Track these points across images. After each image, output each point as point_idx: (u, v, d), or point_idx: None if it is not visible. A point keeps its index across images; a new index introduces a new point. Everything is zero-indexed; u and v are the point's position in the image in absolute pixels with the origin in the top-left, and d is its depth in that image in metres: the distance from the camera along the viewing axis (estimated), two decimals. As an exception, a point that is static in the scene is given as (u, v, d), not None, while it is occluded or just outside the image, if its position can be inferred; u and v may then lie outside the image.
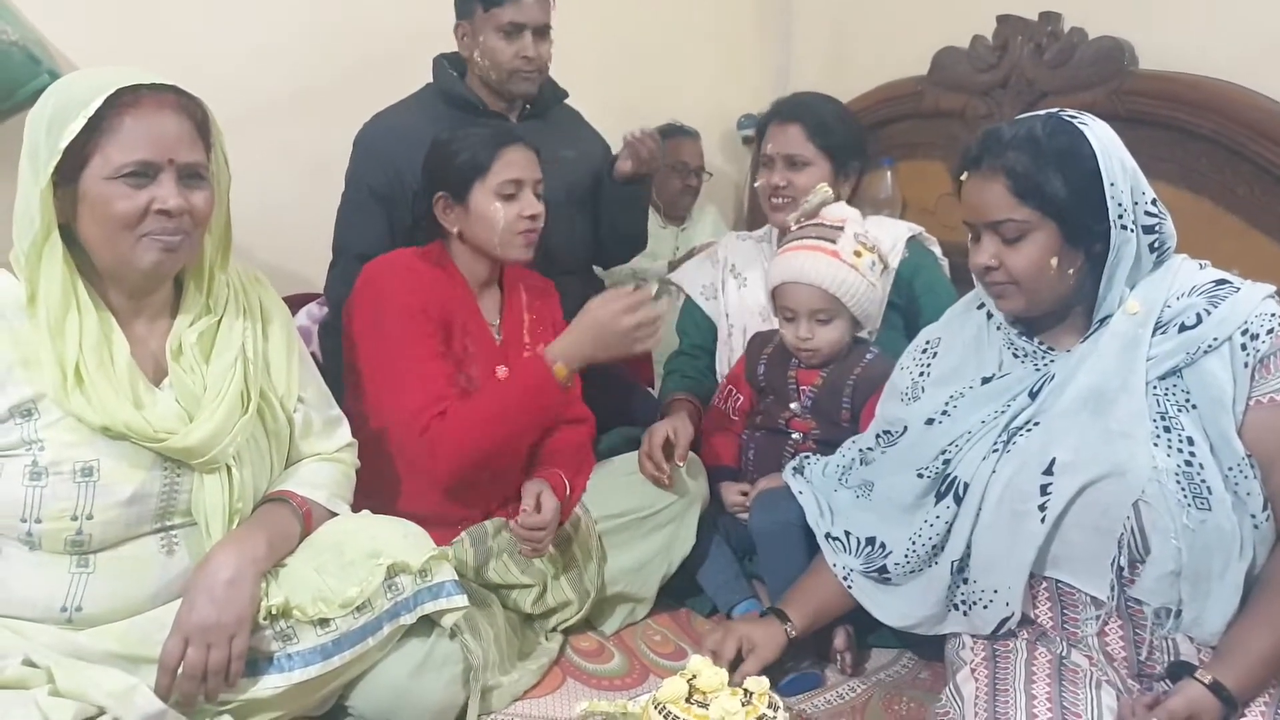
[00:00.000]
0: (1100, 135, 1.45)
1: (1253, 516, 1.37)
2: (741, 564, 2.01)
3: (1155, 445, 1.39)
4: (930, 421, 1.60)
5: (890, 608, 1.65)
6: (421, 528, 1.59)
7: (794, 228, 2.04)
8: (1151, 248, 1.47)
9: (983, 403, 1.54)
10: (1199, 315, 1.42)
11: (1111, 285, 1.46)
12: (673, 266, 2.92)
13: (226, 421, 1.43)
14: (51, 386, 1.31)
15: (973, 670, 1.52)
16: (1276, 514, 1.39)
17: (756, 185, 2.25)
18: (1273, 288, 1.44)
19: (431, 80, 2.31)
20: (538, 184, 1.91)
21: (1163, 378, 1.43)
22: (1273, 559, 1.39)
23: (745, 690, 1.47)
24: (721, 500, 2.04)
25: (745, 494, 2.00)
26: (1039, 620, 1.52)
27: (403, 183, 2.13)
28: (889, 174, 3.05)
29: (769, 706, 1.46)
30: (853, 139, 2.20)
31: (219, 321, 1.49)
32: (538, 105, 2.34)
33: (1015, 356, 1.56)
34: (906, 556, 1.60)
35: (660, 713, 1.44)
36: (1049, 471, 1.44)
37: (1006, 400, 1.52)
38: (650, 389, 2.60)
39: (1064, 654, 1.49)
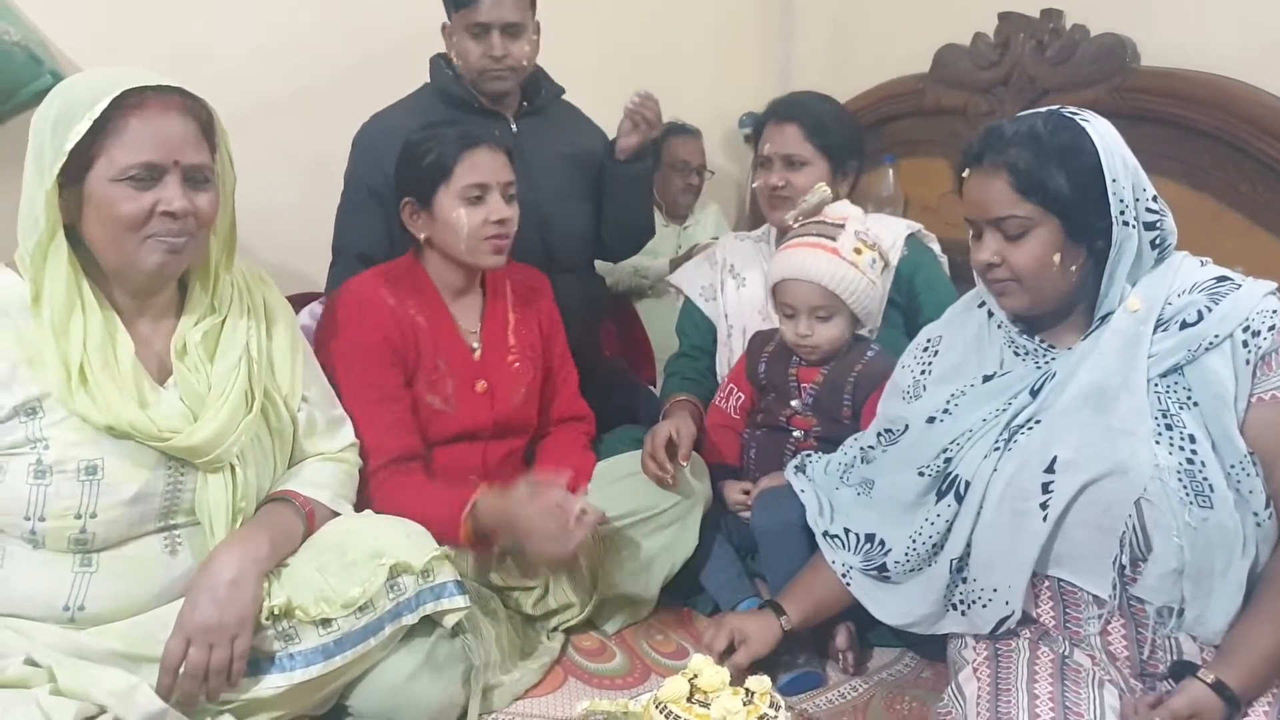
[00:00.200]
0: (1101, 132, 1.45)
1: (1255, 514, 1.36)
2: (744, 563, 2.01)
3: (1157, 443, 1.38)
4: (931, 420, 1.60)
5: (889, 606, 1.65)
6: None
7: (795, 226, 2.03)
8: (1153, 244, 1.47)
9: (984, 401, 1.54)
10: (1200, 312, 1.41)
11: (1113, 282, 1.46)
12: (674, 265, 2.92)
13: (231, 421, 1.43)
14: (56, 386, 1.32)
15: (975, 670, 1.52)
16: (1278, 511, 1.38)
17: (754, 185, 2.24)
18: (1274, 284, 1.44)
19: (429, 80, 2.30)
20: (507, 187, 1.86)
21: (1164, 375, 1.42)
22: (1275, 557, 1.38)
23: (747, 690, 1.47)
24: (724, 499, 2.03)
25: (747, 492, 1.99)
26: (1041, 619, 1.52)
27: None
28: (891, 172, 3.05)
29: (770, 706, 1.46)
30: (850, 138, 2.19)
31: (223, 321, 1.50)
32: (535, 102, 2.32)
33: (1016, 354, 1.55)
34: (906, 555, 1.59)
35: (661, 712, 1.44)
36: (1050, 470, 1.43)
37: (1008, 398, 1.52)
38: (653, 388, 2.59)
39: (1066, 653, 1.48)
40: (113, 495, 1.35)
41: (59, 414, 1.33)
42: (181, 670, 1.32)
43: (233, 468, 1.45)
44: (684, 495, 1.93)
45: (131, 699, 1.27)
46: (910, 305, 2.14)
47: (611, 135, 2.33)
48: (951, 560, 1.54)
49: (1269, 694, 1.34)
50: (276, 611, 1.40)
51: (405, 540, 1.53)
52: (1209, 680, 1.32)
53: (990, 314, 1.61)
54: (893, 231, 2.17)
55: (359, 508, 1.65)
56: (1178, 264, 1.48)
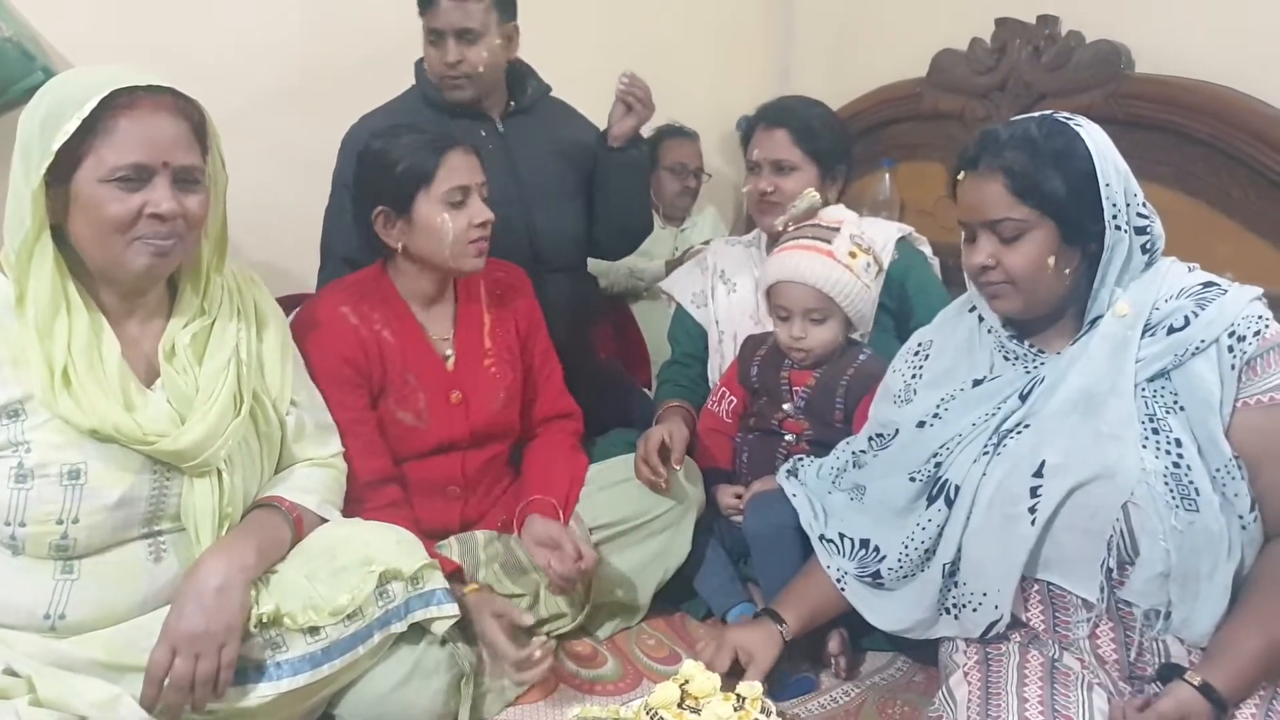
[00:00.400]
0: (1094, 137, 1.45)
1: (1240, 517, 1.37)
2: (736, 567, 2.01)
3: (1144, 447, 1.39)
4: (922, 424, 1.60)
5: (883, 611, 1.65)
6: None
7: (784, 231, 2.03)
8: (1143, 249, 1.47)
9: (974, 405, 1.54)
10: (1187, 318, 1.42)
11: (1105, 285, 1.46)
12: (670, 267, 2.92)
13: (219, 424, 1.42)
14: (39, 388, 1.31)
15: (965, 673, 1.52)
16: (1264, 515, 1.39)
17: (744, 190, 2.24)
18: (1260, 290, 1.44)
19: (415, 83, 2.30)
20: (482, 188, 1.82)
21: (1151, 380, 1.43)
22: (1260, 559, 1.39)
23: (738, 695, 1.47)
24: (716, 503, 2.03)
25: (739, 496, 1.99)
26: (1031, 623, 1.52)
27: None
28: (887, 175, 3.05)
29: (762, 712, 1.46)
30: (839, 142, 2.18)
31: (213, 323, 1.48)
32: (521, 101, 2.31)
33: (1006, 359, 1.56)
34: (900, 561, 1.59)
35: (652, 718, 1.43)
36: (1039, 474, 1.44)
37: (997, 403, 1.52)
38: (647, 391, 2.59)
39: (1056, 657, 1.48)
40: (96, 500, 1.33)
41: (42, 416, 1.32)
42: (167, 681, 1.30)
43: (220, 472, 1.43)
44: (677, 500, 1.93)
45: (113, 709, 1.26)
46: (901, 309, 2.14)
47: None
48: (943, 565, 1.54)
49: (1255, 696, 1.34)
50: (264, 619, 1.39)
51: (395, 547, 1.53)
52: (1196, 682, 1.32)
53: (981, 319, 1.61)
54: (883, 235, 2.17)
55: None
56: (1165, 269, 1.48)
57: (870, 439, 1.72)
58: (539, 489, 1.89)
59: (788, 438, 2.01)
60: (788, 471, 1.88)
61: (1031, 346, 1.53)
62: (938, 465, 1.55)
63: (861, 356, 1.99)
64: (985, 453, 1.50)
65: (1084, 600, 1.44)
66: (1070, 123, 1.47)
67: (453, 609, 1.55)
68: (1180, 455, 1.37)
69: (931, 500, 1.55)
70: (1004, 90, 2.71)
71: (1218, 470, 1.37)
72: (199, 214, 1.39)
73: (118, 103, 1.30)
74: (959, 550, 1.53)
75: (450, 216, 1.76)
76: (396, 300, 1.86)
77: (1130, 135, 2.21)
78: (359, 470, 1.73)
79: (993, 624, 1.51)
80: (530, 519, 1.83)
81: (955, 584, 1.56)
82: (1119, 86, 2.40)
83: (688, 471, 1.96)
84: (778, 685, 1.70)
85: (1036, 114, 1.52)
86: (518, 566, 1.85)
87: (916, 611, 1.61)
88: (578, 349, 2.26)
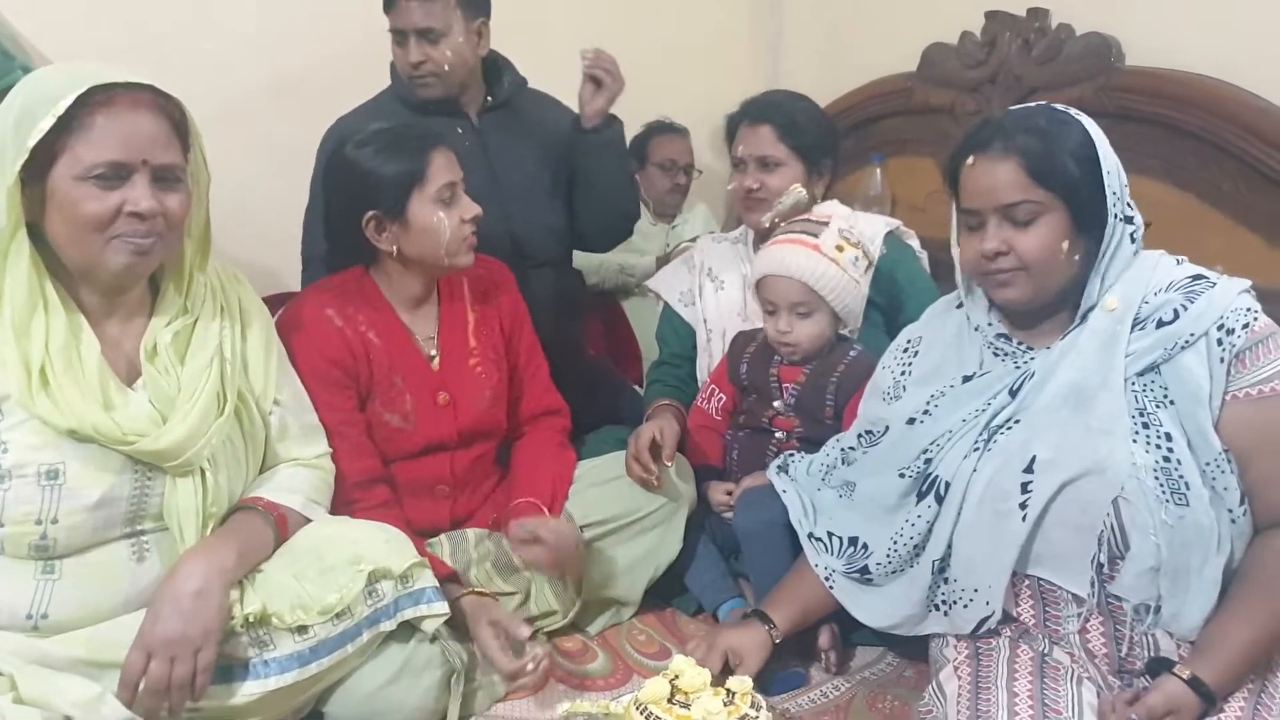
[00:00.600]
0: (1093, 125, 1.45)
1: (1230, 511, 1.36)
2: (727, 563, 2.01)
3: (1134, 442, 1.38)
4: (912, 421, 1.59)
5: (872, 608, 1.65)
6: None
7: (771, 228, 2.02)
8: (1131, 238, 1.47)
9: (964, 401, 1.53)
10: (1176, 311, 1.41)
11: (1104, 275, 1.45)
12: (661, 263, 2.92)
13: (201, 423, 1.40)
14: (16, 388, 1.29)
15: (955, 668, 1.52)
16: (1253, 508, 1.38)
17: (729, 188, 2.23)
18: (1248, 282, 1.43)
19: (390, 83, 2.29)
20: (463, 183, 1.80)
21: (1141, 374, 1.42)
22: (1250, 553, 1.39)
23: (728, 690, 1.47)
24: (707, 500, 2.03)
25: (730, 493, 1.99)
26: (1021, 618, 1.51)
27: None
28: (878, 171, 3.05)
29: (751, 706, 1.46)
30: (824, 137, 2.17)
31: (195, 321, 1.47)
32: (498, 96, 2.29)
33: (995, 355, 1.55)
34: (888, 556, 1.59)
35: (642, 713, 1.43)
36: (1029, 469, 1.43)
37: (987, 399, 1.51)
38: (638, 388, 2.59)
39: (1046, 651, 1.48)
40: (75, 500, 1.31)
41: (19, 416, 1.30)
42: (142, 685, 1.29)
43: (203, 472, 1.41)
44: (669, 497, 1.92)
45: (96, 709, 1.25)
46: (891, 304, 2.12)
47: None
48: (933, 561, 1.54)
49: (1244, 689, 1.34)
50: (251, 618, 1.38)
51: (384, 546, 1.52)
52: (1185, 676, 1.32)
53: (969, 318, 1.60)
54: (871, 229, 2.16)
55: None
56: (1154, 262, 1.48)
57: (860, 436, 1.71)
58: (524, 491, 1.88)
59: (778, 435, 2.01)
60: (778, 467, 1.88)
61: (1020, 344, 1.53)
62: (928, 462, 1.54)
63: (852, 353, 1.98)
64: (975, 449, 1.49)
65: (1074, 595, 1.43)
66: (1070, 111, 1.47)
67: (442, 607, 1.54)
68: (1170, 449, 1.37)
69: (921, 496, 1.54)
70: (994, 84, 2.71)
71: (1207, 464, 1.36)
72: (179, 213, 1.37)
73: (95, 99, 1.28)
74: (949, 547, 1.52)
75: (445, 214, 1.75)
76: (380, 302, 1.84)
77: (1121, 128, 2.20)
78: (348, 471, 1.72)
79: (984, 620, 1.50)
80: (511, 524, 1.81)
81: (945, 581, 1.55)
82: (1109, 79, 2.40)
83: (679, 468, 1.96)
84: (767, 680, 1.69)
85: (1034, 104, 1.51)
86: (509, 565, 1.85)
87: (905, 608, 1.61)
88: (564, 344, 2.24)
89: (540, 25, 2.26)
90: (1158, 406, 1.40)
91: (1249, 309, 1.40)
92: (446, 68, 2.15)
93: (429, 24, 2.12)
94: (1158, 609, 1.37)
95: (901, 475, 1.57)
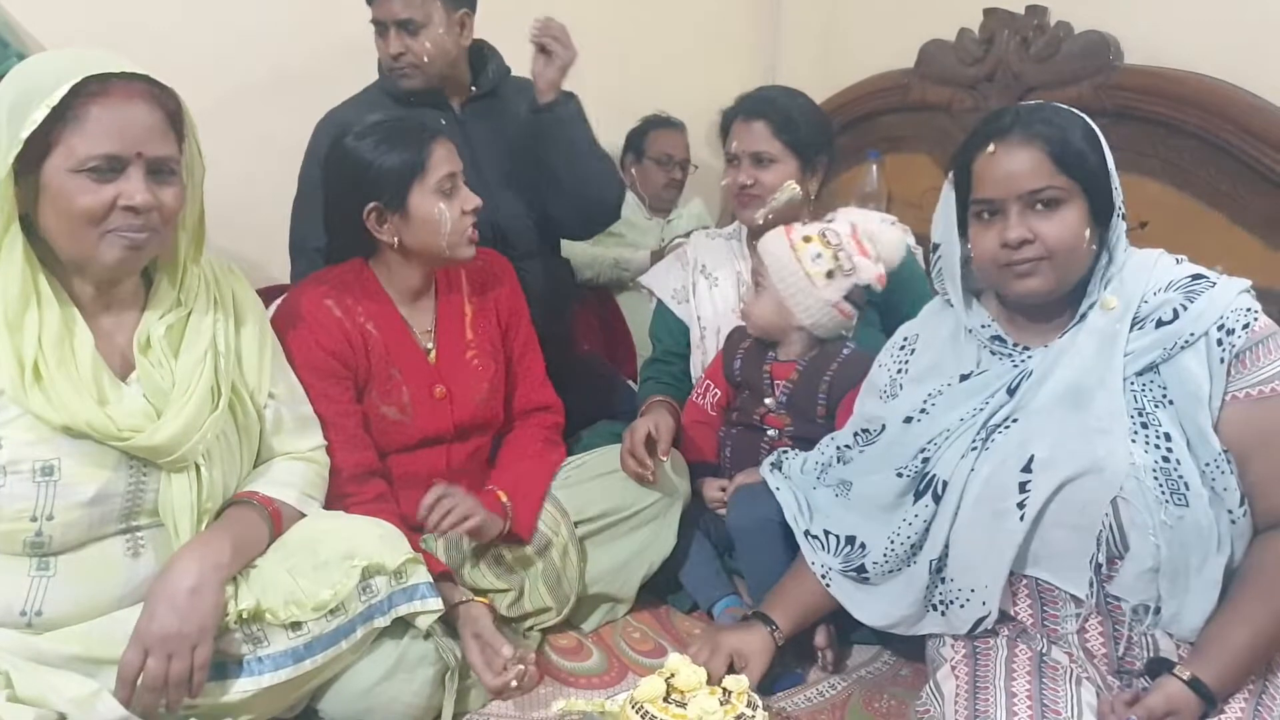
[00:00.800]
0: (1092, 123, 1.45)
1: (1229, 512, 1.36)
2: (722, 560, 2.00)
3: (1133, 442, 1.37)
4: (909, 420, 1.58)
5: (869, 607, 1.64)
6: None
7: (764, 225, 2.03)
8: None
9: (961, 400, 1.53)
10: (1176, 310, 1.40)
11: (1109, 270, 1.45)
12: (656, 257, 2.91)
13: (196, 418, 1.39)
14: (9, 383, 1.27)
15: (953, 668, 1.51)
16: (1253, 509, 1.38)
17: (723, 183, 2.22)
18: (1248, 282, 1.43)
19: (378, 76, 2.28)
20: (463, 174, 1.81)
21: (1140, 373, 1.41)
22: (1249, 553, 1.38)
23: (724, 689, 1.47)
24: (702, 496, 2.02)
25: (724, 489, 1.98)
26: (1019, 618, 1.51)
27: None
28: (875, 167, 3.05)
29: (748, 705, 1.46)
30: (819, 133, 2.16)
31: (189, 314, 1.45)
32: (481, 85, 2.28)
33: (993, 353, 1.54)
34: (885, 555, 1.58)
35: (638, 712, 1.43)
36: (1027, 469, 1.42)
37: (985, 397, 1.50)
38: (632, 383, 2.58)
39: (1044, 651, 1.48)
40: (70, 496, 1.30)
41: (12, 412, 1.28)
42: (139, 682, 1.28)
43: (198, 467, 1.40)
44: (664, 493, 1.92)
45: (91, 706, 1.24)
46: (887, 301, 2.11)
47: (596, 130, 2.28)
48: (930, 561, 1.53)
49: (1244, 690, 1.34)
50: (245, 614, 1.37)
51: (378, 541, 1.51)
52: (1185, 677, 1.31)
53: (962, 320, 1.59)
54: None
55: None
56: (1153, 261, 1.47)
57: (856, 434, 1.71)
58: (495, 481, 1.87)
59: (770, 433, 2.00)
60: (771, 464, 1.87)
61: (1016, 345, 1.52)
62: (925, 461, 1.54)
63: (845, 350, 1.97)
64: (973, 448, 1.48)
65: (1073, 596, 1.43)
66: (1070, 109, 1.47)
67: (436, 603, 1.53)
68: (1170, 449, 1.36)
69: (918, 496, 1.54)
70: (992, 81, 2.71)
71: (1207, 465, 1.36)
72: (174, 206, 1.35)
73: (89, 90, 1.26)
74: (946, 547, 1.52)
75: (446, 205, 1.75)
76: (380, 294, 1.83)
77: (1119, 127, 2.21)
78: (343, 465, 1.71)
79: (980, 620, 1.50)
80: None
81: (942, 580, 1.55)
82: (1108, 78, 2.40)
83: (674, 464, 1.95)
84: (764, 679, 1.68)
85: (1033, 103, 1.50)
86: (501, 561, 1.84)
87: (902, 607, 1.60)
88: (554, 337, 2.21)
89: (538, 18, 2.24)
90: (1156, 406, 1.39)
91: (1249, 309, 1.39)
92: (426, 59, 2.15)
93: (408, 15, 2.13)
94: (1157, 610, 1.37)
95: (899, 474, 1.57)
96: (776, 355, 2.01)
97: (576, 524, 1.87)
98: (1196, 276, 1.44)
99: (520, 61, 2.31)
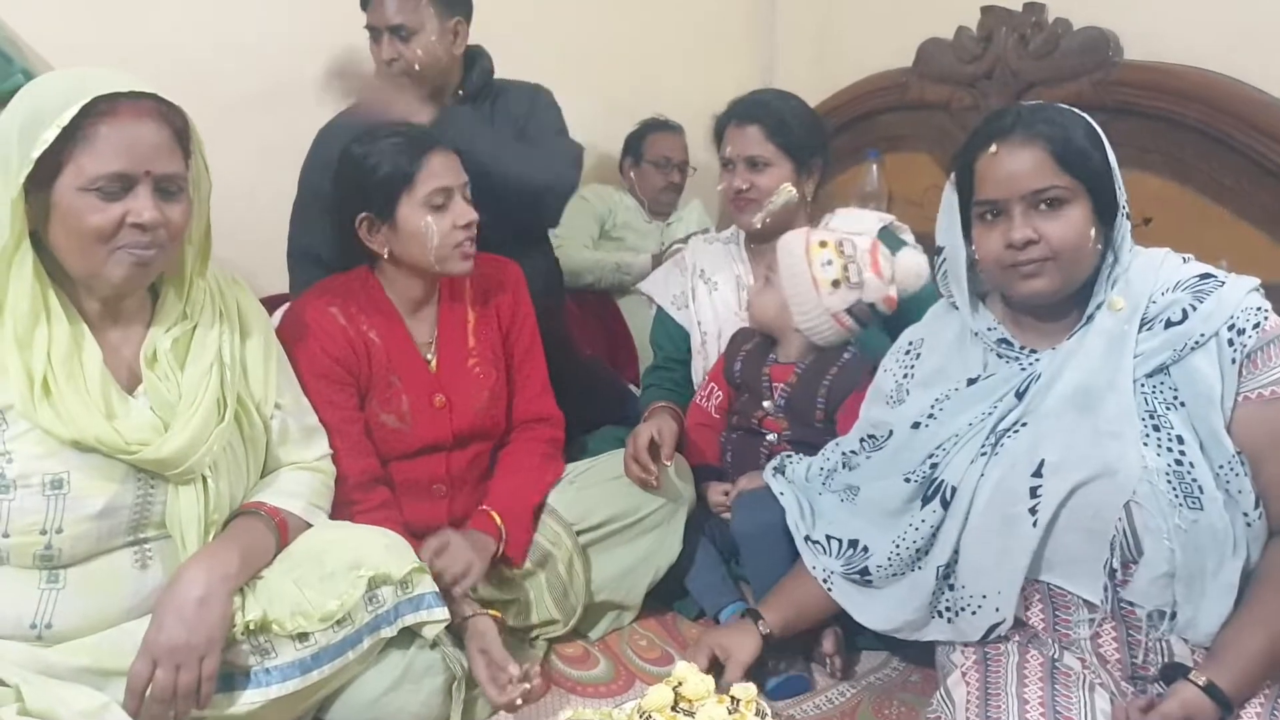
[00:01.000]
0: (1092, 122, 1.45)
1: (1245, 515, 1.34)
2: (728, 566, 1.99)
3: (1145, 445, 1.36)
4: (916, 425, 1.57)
5: (871, 610, 1.63)
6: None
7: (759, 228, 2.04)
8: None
9: (969, 405, 1.51)
10: (1185, 311, 1.39)
11: (1114, 271, 1.44)
12: (657, 261, 2.90)
13: (202, 430, 1.39)
14: (18, 398, 1.28)
15: (964, 674, 1.50)
16: (1268, 511, 1.37)
17: (719, 188, 2.21)
18: (1257, 280, 1.41)
19: None
20: (465, 188, 1.79)
21: (1150, 375, 1.40)
22: (1265, 557, 1.37)
23: (732, 698, 1.45)
24: (706, 500, 2.01)
25: (727, 493, 1.97)
26: (1031, 623, 1.50)
27: None
28: (874, 167, 3.04)
29: (756, 713, 1.44)
30: (813, 136, 2.15)
31: (195, 327, 1.46)
32: (466, 90, 2.28)
33: (1000, 357, 1.52)
34: (889, 559, 1.57)
35: (646, 722, 1.41)
36: (1038, 473, 1.41)
37: (993, 402, 1.49)
38: (634, 387, 2.57)
39: (1056, 656, 1.46)
40: (80, 509, 1.31)
41: (22, 427, 1.29)
42: (148, 693, 1.28)
43: (205, 479, 1.41)
44: (668, 498, 1.91)
45: (100, 718, 1.24)
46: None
47: (593, 132, 2.27)
48: (938, 567, 1.52)
49: (1261, 695, 1.33)
50: (252, 626, 1.37)
51: (384, 551, 1.51)
52: (1201, 683, 1.30)
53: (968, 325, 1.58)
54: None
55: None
56: (1160, 261, 1.46)
57: (863, 440, 1.69)
58: (490, 500, 1.86)
59: (769, 437, 1.99)
60: (775, 469, 1.86)
61: (1023, 348, 1.51)
62: (934, 466, 1.53)
63: (846, 354, 1.97)
64: (983, 453, 1.47)
65: (1086, 601, 1.42)
66: (1071, 109, 1.46)
67: (442, 613, 1.53)
68: (1182, 452, 1.35)
69: (926, 501, 1.53)
70: (991, 79, 2.70)
71: (1221, 467, 1.34)
72: (181, 223, 1.36)
73: (98, 109, 1.27)
74: (955, 553, 1.51)
75: (434, 219, 1.73)
76: (384, 302, 1.83)
77: (1120, 123, 2.21)
78: (348, 472, 1.70)
79: (994, 627, 1.49)
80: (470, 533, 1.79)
81: (950, 587, 1.54)
82: (1108, 74, 2.40)
83: (678, 469, 1.94)
84: (762, 676, 1.68)
85: (1032, 104, 1.50)
86: (505, 576, 1.83)
87: (906, 612, 1.59)
88: (548, 337, 2.18)
89: (535, 24, 2.24)
90: (1168, 408, 1.38)
91: (1259, 308, 1.38)
92: (418, 66, 2.15)
93: (401, 21, 2.12)
94: (1173, 615, 1.36)
95: (907, 480, 1.55)
96: (776, 357, 2.00)
97: (581, 531, 1.86)
98: (1205, 276, 1.42)
99: (513, 62, 2.31)
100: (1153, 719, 1.29)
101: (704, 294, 2.25)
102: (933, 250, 1.74)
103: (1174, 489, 1.34)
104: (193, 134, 1.38)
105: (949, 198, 1.53)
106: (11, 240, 1.28)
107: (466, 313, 1.90)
